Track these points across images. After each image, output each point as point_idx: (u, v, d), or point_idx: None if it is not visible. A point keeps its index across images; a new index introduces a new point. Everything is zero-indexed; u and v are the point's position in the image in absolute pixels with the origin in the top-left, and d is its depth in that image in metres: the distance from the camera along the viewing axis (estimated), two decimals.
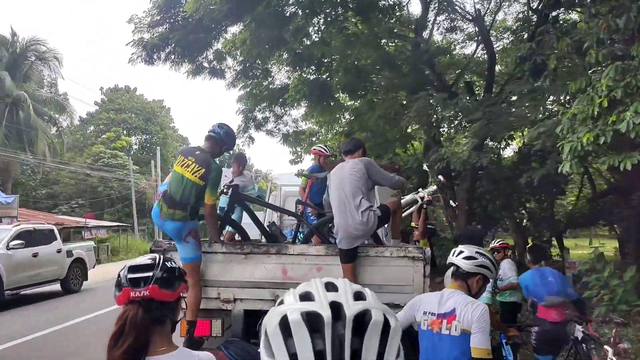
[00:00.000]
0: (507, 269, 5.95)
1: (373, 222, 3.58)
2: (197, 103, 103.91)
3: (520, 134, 15.17)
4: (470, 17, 12.26)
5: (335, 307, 0.81)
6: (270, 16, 7.34)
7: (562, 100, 5.59)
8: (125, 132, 42.51)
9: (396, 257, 3.58)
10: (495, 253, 6.13)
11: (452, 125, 8.88)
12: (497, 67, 13.94)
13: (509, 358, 4.54)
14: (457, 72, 13.99)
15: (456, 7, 12.42)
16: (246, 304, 3.61)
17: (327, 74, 10.18)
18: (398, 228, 4.14)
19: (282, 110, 18.78)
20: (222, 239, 4.32)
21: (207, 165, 3.73)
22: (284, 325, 0.82)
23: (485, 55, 12.69)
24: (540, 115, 6.40)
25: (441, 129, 10.53)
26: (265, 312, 1.45)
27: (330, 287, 0.88)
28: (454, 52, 15.34)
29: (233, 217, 4.78)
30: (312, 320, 0.80)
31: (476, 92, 12.64)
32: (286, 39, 8.04)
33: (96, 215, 30.29)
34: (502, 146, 14.85)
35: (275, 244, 3.83)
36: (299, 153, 18.33)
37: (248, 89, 14.23)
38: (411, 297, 3.67)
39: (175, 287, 1.59)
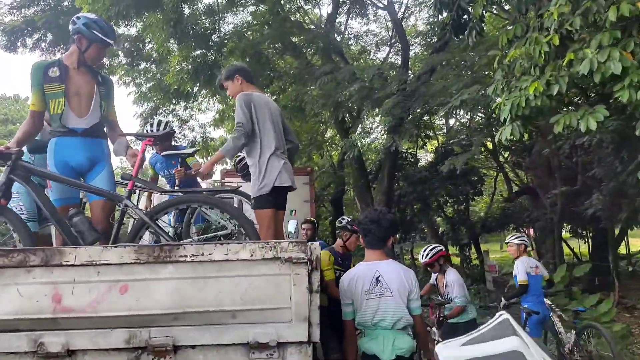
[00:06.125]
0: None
1: None
2: None
3: (436, 140, 14.78)
4: (382, 5, 11.43)
5: None
6: None
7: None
8: None
9: (261, 261, 2.08)
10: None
11: (362, 103, 7.63)
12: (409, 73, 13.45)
13: None
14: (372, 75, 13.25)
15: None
16: None
17: (220, 54, 8.51)
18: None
19: (188, 114, 17.14)
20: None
21: None
22: None
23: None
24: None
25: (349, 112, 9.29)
26: None
27: None
28: (367, 58, 14.67)
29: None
30: None
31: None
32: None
33: None
34: (418, 146, 14.29)
35: (41, 247, 2.12)
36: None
37: (135, 80, 12.16)
38: (291, 329, 2.20)
39: None
